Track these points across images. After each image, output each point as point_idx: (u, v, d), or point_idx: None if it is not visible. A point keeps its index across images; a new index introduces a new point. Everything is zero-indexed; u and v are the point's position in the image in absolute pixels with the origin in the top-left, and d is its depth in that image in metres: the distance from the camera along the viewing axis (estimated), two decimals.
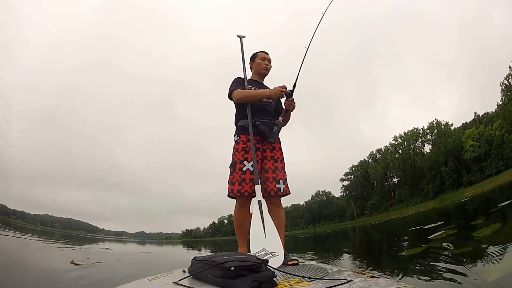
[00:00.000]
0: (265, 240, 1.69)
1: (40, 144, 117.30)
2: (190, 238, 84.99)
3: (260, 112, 2.08)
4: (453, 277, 1.96)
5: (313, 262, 2.07)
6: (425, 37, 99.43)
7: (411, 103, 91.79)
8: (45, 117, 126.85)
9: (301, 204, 68.26)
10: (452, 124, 39.51)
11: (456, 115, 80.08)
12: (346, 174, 56.40)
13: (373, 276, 1.13)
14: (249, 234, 1.78)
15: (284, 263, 1.68)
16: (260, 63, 2.26)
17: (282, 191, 2.02)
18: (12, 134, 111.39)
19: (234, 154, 2.06)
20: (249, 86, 2.14)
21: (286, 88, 2.04)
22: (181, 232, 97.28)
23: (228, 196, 2.02)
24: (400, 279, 2.24)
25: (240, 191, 1.95)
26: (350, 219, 51.62)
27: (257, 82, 2.26)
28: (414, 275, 2.29)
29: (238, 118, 2.15)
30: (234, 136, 2.14)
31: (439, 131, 39.66)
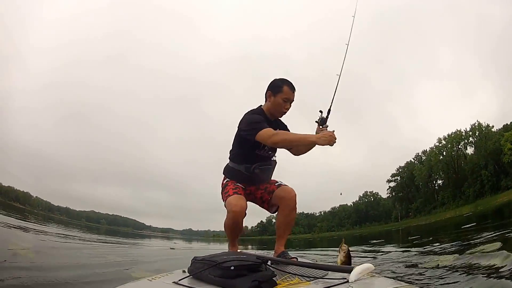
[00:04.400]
0: None
1: (71, 140, 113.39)
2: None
3: (262, 159, 1.91)
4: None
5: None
6: (455, 33, 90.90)
7: (445, 102, 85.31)
8: (72, 114, 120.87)
9: (348, 204, 68.43)
10: (493, 126, 38.18)
11: (494, 116, 71.16)
12: (393, 175, 56.57)
13: (373, 276, 1.14)
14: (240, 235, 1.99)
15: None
16: (281, 104, 1.86)
17: (283, 183, 1.96)
18: (44, 131, 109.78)
19: (223, 191, 1.95)
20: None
21: (326, 126, 1.81)
22: None
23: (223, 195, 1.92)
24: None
25: (235, 189, 1.87)
26: (395, 221, 52.03)
27: (270, 122, 1.89)
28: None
29: (236, 159, 1.94)
30: (223, 173, 2.03)
31: (481, 134, 38.77)
